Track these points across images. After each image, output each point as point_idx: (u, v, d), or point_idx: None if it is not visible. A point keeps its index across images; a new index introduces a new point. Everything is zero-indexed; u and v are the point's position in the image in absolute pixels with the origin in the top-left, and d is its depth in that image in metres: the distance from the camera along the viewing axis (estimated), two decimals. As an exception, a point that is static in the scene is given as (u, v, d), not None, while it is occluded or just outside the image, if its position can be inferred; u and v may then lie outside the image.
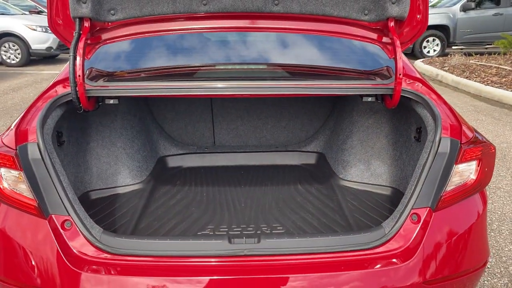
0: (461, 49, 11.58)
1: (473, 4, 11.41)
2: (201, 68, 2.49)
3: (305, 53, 2.58)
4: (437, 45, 11.61)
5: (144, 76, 2.37)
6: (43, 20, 11.00)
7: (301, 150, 3.19)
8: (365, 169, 2.74)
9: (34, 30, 10.63)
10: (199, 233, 2.22)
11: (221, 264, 1.68)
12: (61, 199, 1.71)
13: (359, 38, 2.30)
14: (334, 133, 3.03)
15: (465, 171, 1.83)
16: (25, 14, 11.99)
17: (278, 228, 2.27)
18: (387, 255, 1.72)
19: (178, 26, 2.27)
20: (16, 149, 1.75)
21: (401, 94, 2.06)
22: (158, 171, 2.92)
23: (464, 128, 1.92)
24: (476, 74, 8.45)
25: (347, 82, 2.15)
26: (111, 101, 2.26)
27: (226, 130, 3.19)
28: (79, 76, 1.96)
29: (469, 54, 10.51)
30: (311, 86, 2.14)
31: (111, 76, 2.29)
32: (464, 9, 11.39)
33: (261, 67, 2.53)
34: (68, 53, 2.01)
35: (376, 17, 2.17)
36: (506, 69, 8.47)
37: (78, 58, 1.97)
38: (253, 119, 3.17)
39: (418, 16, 2.16)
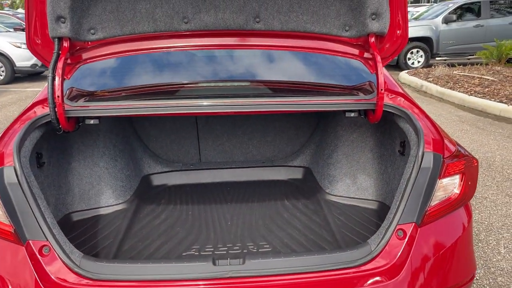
0: (445, 60, 11.80)
1: (454, 16, 11.66)
2: (184, 85, 2.47)
3: (288, 69, 2.58)
4: (421, 56, 11.80)
5: (125, 95, 2.35)
6: (28, 37, 10.90)
7: (287, 165, 3.18)
8: (351, 183, 2.73)
9: (19, 47, 10.54)
10: (184, 254, 2.18)
11: (206, 287, 1.64)
12: (39, 224, 1.66)
13: (340, 54, 2.32)
14: (319, 147, 3.02)
15: (449, 185, 1.83)
16: (9, 31, 11.92)
17: (265, 246, 2.24)
18: (374, 272, 1.69)
19: (160, 44, 2.26)
20: None
21: (384, 109, 2.07)
22: (142, 190, 2.87)
23: (446, 142, 1.93)
24: (460, 84, 8.59)
25: (329, 98, 2.16)
26: (92, 121, 2.22)
27: (211, 146, 3.16)
28: (58, 96, 1.93)
29: (452, 65, 10.70)
30: (295, 103, 2.13)
31: (91, 96, 2.25)
32: (446, 21, 11.63)
33: (244, 84, 2.53)
34: None
35: (356, 33, 2.20)
36: (488, 79, 8.63)
37: (57, 78, 1.94)
38: (238, 134, 3.15)
39: (398, 32, 2.19)
